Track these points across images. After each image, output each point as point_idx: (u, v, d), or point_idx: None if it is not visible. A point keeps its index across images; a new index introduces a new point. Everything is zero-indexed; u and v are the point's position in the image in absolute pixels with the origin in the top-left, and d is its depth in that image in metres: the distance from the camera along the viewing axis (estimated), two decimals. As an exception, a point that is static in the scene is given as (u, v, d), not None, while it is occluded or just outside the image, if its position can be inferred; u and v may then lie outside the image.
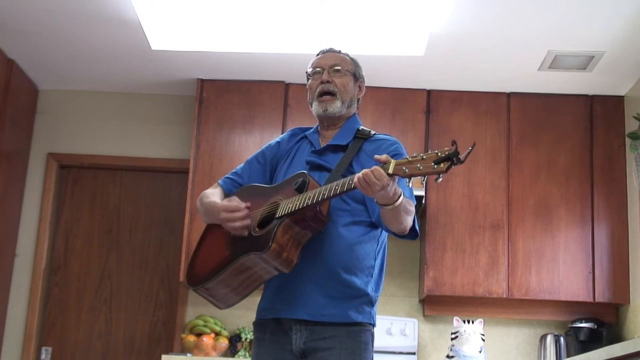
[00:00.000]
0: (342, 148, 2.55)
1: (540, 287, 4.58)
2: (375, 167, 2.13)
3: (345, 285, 2.40)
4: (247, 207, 2.40)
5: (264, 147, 2.73)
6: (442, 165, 2.01)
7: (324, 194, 2.25)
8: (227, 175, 2.70)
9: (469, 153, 2.01)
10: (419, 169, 2.05)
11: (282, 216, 2.33)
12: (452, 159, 2.01)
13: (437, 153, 2.03)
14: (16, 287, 4.94)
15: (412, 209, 2.35)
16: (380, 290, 2.51)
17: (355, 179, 2.15)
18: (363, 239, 2.45)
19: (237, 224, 2.39)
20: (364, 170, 2.14)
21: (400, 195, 2.22)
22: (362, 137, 2.55)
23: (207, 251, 2.55)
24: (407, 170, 2.07)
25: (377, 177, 2.11)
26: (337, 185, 2.23)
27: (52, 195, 5.07)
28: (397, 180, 2.16)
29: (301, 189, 2.34)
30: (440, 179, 2.06)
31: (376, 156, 2.17)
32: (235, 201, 2.43)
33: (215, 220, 2.49)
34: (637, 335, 4.33)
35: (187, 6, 4.04)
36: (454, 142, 2.03)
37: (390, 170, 2.10)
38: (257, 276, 2.41)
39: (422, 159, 2.05)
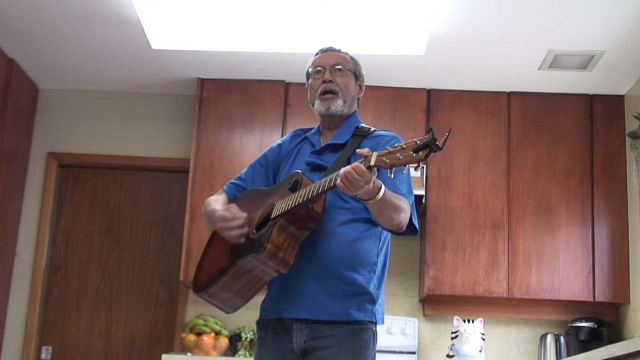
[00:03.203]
0: (341, 147, 2.55)
1: (540, 287, 4.58)
2: (355, 164, 2.13)
3: (347, 282, 2.40)
4: (244, 217, 2.40)
5: (266, 149, 2.75)
6: (420, 153, 2.02)
7: (313, 191, 2.26)
8: (231, 181, 2.72)
9: (446, 139, 2.01)
10: (399, 158, 2.05)
11: (276, 217, 2.34)
12: (430, 146, 2.02)
13: (415, 142, 2.04)
14: (16, 286, 4.94)
15: (405, 205, 2.34)
16: (382, 287, 2.51)
17: (339, 180, 2.14)
18: (364, 235, 2.45)
19: (234, 232, 2.40)
20: (345, 169, 2.13)
21: (381, 188, 2.21)
22: (361, 135, 2.56)
23: (211, 257, 2.57)
24: (388, 161, 2.07)
25: (360, 173, 2.11)
26: (325, 181, 2.23)
27: (52, 194, 5.07)
28: (376, 174, 2.16)
29: (294, 188, 2.35)
30: (421, 167, 2.07)
31: (358, 150, 2.18)
32: (233, 209, 2.44)
33: (215, 228, 2.51)
34: (637, 335, 4.33)
35: (187, 6, 4.03)
36: (430, 130, 2.04)
37: (372, 162, 2.10)
38: (258, 278, 2.42)
39: (402, 148, 2.06)
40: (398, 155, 2.06)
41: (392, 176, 2.11)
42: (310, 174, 2.46)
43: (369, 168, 2.11)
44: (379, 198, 2.21)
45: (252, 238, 2.38)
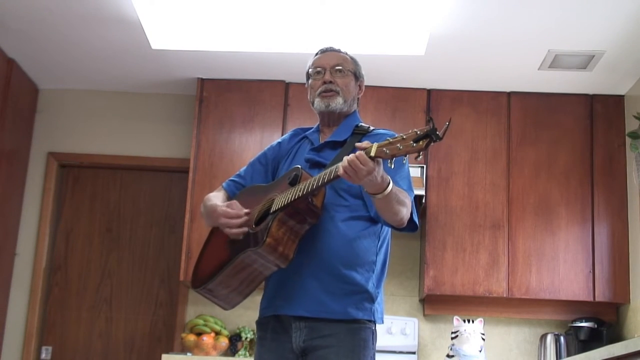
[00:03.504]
0: (341, 144, 2.56)
1: (540, 287, 4.58)
2: (358, 152, 2.14)
3: (344, 280, 2.40)
4: (246, 213, 2.41)
5: (265, 148, 2.75)
6: (421, 143, 2.04)
7: (312, 184, 2.27)
8: (230, 178, 2.72)
9: (446, 129, 2.03)
10: (399, 148, 2.07)
11: (275, 210, 2.34)
12: (430, 135, 2.04)
13: (416, 132, 2.06)
14: (16, 286, 4.94)
15: (407, 200, 2.35)
16: (381, 286, 2.51)
17: (341, 168, 2.16)
18: (362, 234, 2.45)
19: (235, 230, 2.41)
20: (348, 157, 2.14)
21: (389, 182, 2.23)
22: (360, 133, 2.56)
23: (210, 253, 2.57)
24: (388, 151, 2.09)
25: (363, 162, 2.12)
26: (325, 174, 2.24)
27: (52, 194, 5.07)
28: (382, 165, 2.17)
29: (294, 182, 2.36)
30: (420, 157, 2.08)
31: (357, 144, 2.19)
32: (235, 206, 2.45)
33: (215, 224, 2.51)
34: (637, 335, 4.33)
35: (187, 6, 4.03)
36: (430, 119, 2.06)
37: (373, 153, 2.11)
38: (257, 273, 2.42)
39: (403, 138, 2.08)
40: (398, 145, 2.08)
41: (393, 166, 2.13)
42: (309, 170, 2.46)
43: (370, 159, 2.12)
44: (387, 192, 2.23)
45: (252, 232, 2.39)
